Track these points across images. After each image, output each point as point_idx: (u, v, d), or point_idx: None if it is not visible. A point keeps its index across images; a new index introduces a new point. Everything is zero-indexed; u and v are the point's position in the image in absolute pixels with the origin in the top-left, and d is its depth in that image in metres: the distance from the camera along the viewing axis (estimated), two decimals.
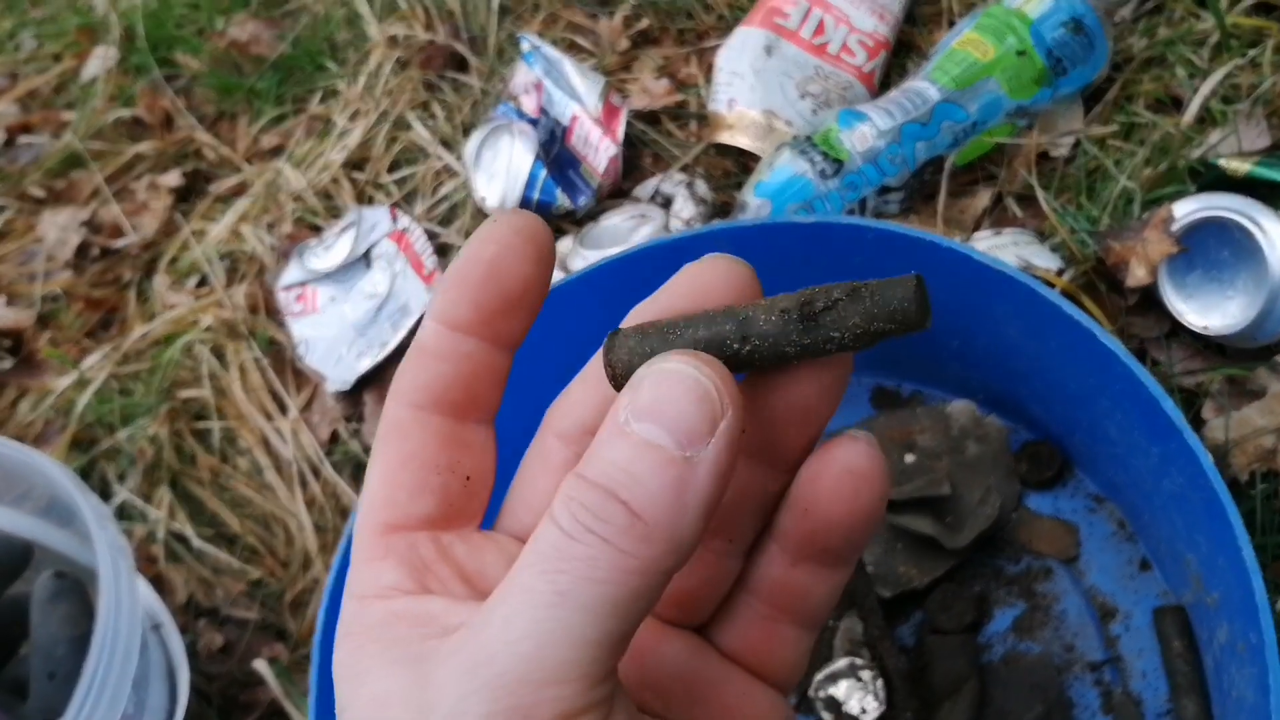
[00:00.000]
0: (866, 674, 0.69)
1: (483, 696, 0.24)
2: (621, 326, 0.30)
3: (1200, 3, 0.87)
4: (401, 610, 0.27)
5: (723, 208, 0.92)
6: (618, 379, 0.28)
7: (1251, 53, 0.83)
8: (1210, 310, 0.74)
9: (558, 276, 0.87)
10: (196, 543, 0.89)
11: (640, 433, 0.25)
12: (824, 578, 0.30)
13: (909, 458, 0.76)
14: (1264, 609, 0.56)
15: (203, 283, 1.02)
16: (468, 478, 0.29)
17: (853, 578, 0.73)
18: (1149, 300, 0.77)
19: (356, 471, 0.89)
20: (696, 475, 0.25)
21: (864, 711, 0.69)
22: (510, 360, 0.30)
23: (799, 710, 0.72)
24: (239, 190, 1.07)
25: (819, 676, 0.70)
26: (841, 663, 0.70)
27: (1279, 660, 0.55)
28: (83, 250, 1.09)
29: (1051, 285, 0.76)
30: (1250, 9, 0.85)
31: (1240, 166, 0.74)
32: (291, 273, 0.98)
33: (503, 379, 0.30)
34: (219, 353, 0.96)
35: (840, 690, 0.70)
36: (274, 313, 0.98)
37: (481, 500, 0.30)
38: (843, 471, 0.28)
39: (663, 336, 0.28)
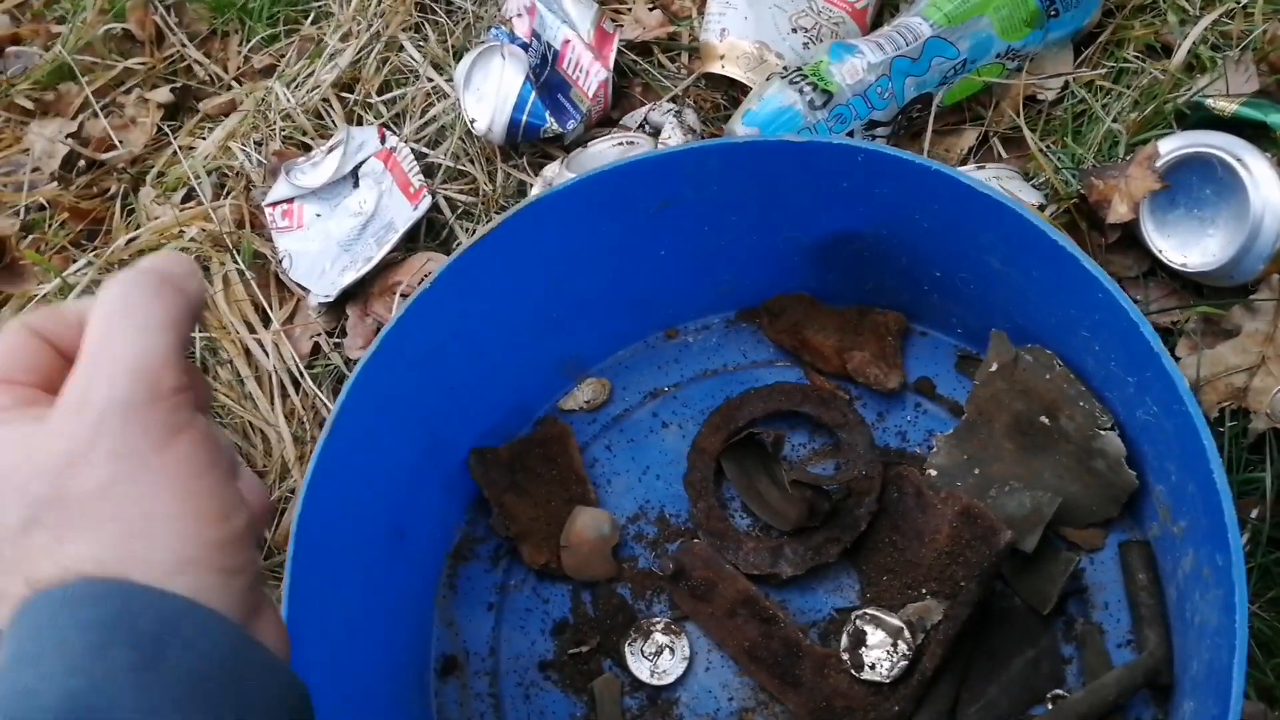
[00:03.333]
0: (902, 648, 0.67)
1: None
2: None
3: None
4: None
5: (712, 139, 0.89)
6: None
7: (1244, 0, 0.82)
8: (1190, 247, 0.73)
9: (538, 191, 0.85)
10: None
11: None
12: None
13: (1044, 419, 0.70)
14: (1233, 528, 0.55)
15: (189, 197, 0.99)
16: None
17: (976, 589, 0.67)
18: (1127, 239, 0.76)
19: (336, 384, 0.87)
20: None
21: (872, 666, 0.67)
22: None
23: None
24: (228, 108, 1.04)
25: (873, 611, 0.68)
26: (896, 622, 0.67)
27: (1245, 579, 0.54)
28: (69, 162, 1.06)
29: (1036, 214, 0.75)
30: None
31: (1227, 106, 0.73)
32: (279, 189, 0.95)
33: None
34: (203, 264, 0.93)
35: (874, 639, 0.68)
36: (260, 227, 0.95)
37: None
38: None
39: None
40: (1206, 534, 0.59)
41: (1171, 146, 0.72)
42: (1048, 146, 0.82)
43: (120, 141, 1.06)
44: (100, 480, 0.32)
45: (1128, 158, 0.76)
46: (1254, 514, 0.69)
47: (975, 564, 0.66)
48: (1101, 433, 0.68)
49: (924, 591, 0.68)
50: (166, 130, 1.04)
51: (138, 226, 0.98)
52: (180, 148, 1.02)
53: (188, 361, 0.35)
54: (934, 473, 0.72)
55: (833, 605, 0.72)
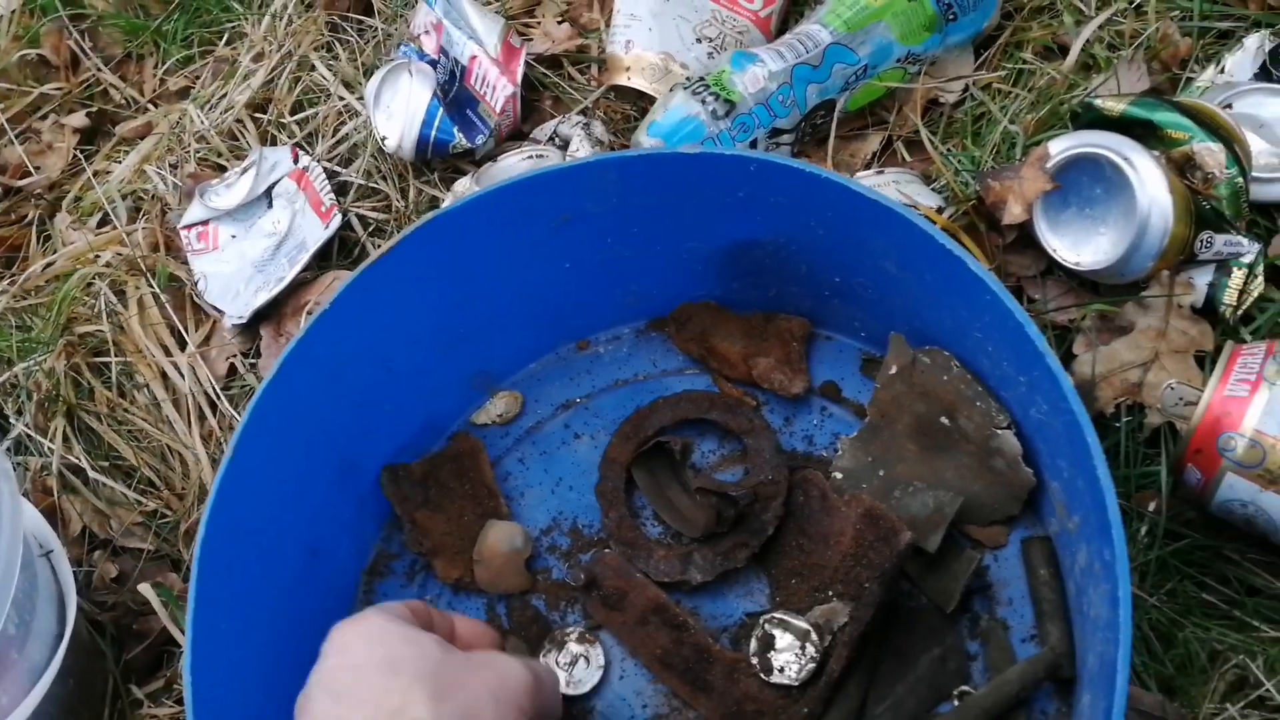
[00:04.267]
0: (810, 650, 0.67)
1: None
2: None
3: None
4: None
5: (621, 150, 0.89)
6: None
7: (1136, 0, 0.82)
8: (1082, 246, 0.73)
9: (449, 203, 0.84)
10: (92, 474, 0.86)
11: None
12: None
13: (944, 420, 0.70)
14: (1116, 524, 0.56)
15: (105, 221, 0.98)
16: None
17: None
18: (1026, 240, 0.77)
19: None
20: None
21: (780, 670, 0.67)
22: None
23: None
24: (144, 131, 1.03)
25: (781, 615, 0.67)
26: (803, 625, 0.67)
27: (1129, 573, 0.55)
28: None
29: (932, 222, 0.75)
30: None
31: (1116, 106, 0.73)
32: (194, 211, 0.94)
33: None
34: (118, 289, 0.92)
35: (782, 642, 0.67)
36: (175, 251, 0.94)
37: None
38: None
39: None
40: (1096, 529, 0.59)
41: (1061, 147, 0.72)
42: (949, 149, 0.83)
43: (37, 168, 1.04)
44: None
45: (1023, 159, 0.76)
46: (1151, 507, 0.69)
47: (878, 565, 0.66)
48: (999, 431, 0.68)
49: (830, 594, 0.68)
50: (81, 156, 1.03)
51: (54, 252, 0.96)
52: (96, 172, 1.01)
53: None
54: (839, 475, 0.72)
55: (743, 610, 0.72)
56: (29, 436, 0.88)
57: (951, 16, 0.85)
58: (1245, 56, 0.78)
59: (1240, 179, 0.70)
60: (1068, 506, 0.65)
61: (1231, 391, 0.63)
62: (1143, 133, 0.73)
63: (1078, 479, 0.61)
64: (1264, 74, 0.77)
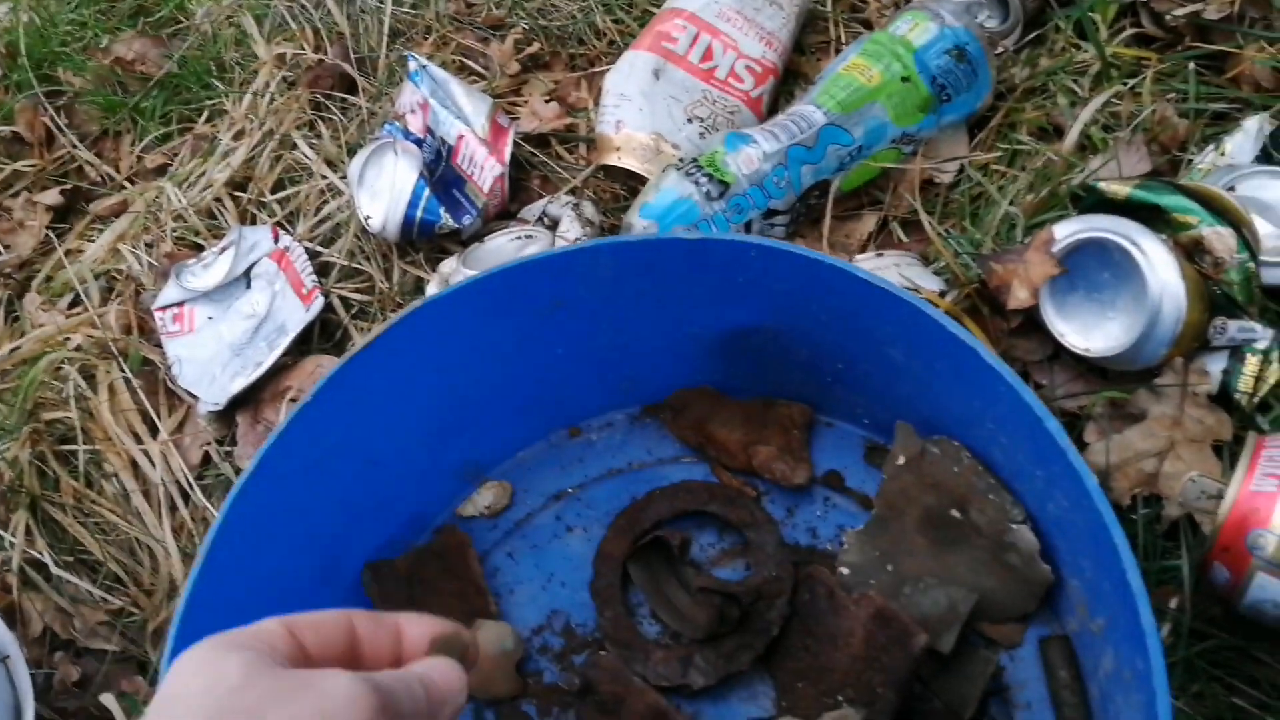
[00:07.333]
0: None
1: None
2: None
3: (1081, 34, 0.84)
4: None
5: (611, 230, 0.86)
6: None
7: (1131, 82, 0.80)
8: (1091, 332, 0.69)
9: (436, 290, 0.80)
10: (55, 570, 0.80)
11: None
12: None
13: (955, 513, 0.66)
14: (1151, 634, 0.51)
15: (76, 302, 0.93)
16: None
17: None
18: (1031, 323, 0.73)
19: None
20: None
21: None
22: None
23: None
24: (120, 209, 0.98)
25: None
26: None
27: (1167, 686, 0.50)
28: None
29: (937, 308, 0.72)
30: (1130, 40, 0.82)
31: (1120, 189, 0.70)
32: (169, 292, 0.89)
33: None
34: (88, 373, 0.87)
35: None
36: (149, 333, 0.89)
37: None
38: None
39: None
40: (1125, 635, 0.55)
41: (1067, 231, 0.69)
42: (947, 230, 0.79)
43: (7, 246, 0.99)
44: None
45: (1026, 241, 0.73)
46: (1173, 604, 0.65)
47: (892, 670, 0.62)
48: (1014, 526, 0.64)
49: (840, 698, 0.63)
50: (52, 234, 0.98)
51: (21, 334, 0.91)
52: (68, 251, 0.96)
53: None
54: (846, 571, 0.67)
55: (747, 715, 0.67)
56: None
57: (945, 97, 0.82)
58: (1245, 139, 0.75)
59: (1251, 263, 0.67)
60: (1090, 607, 0.60)
61: (1258, 486, 0.59)
62: (1149, 216, 0.70)
63: (1103, 581, 0.57)
64: (1265, 157, 0.74)
